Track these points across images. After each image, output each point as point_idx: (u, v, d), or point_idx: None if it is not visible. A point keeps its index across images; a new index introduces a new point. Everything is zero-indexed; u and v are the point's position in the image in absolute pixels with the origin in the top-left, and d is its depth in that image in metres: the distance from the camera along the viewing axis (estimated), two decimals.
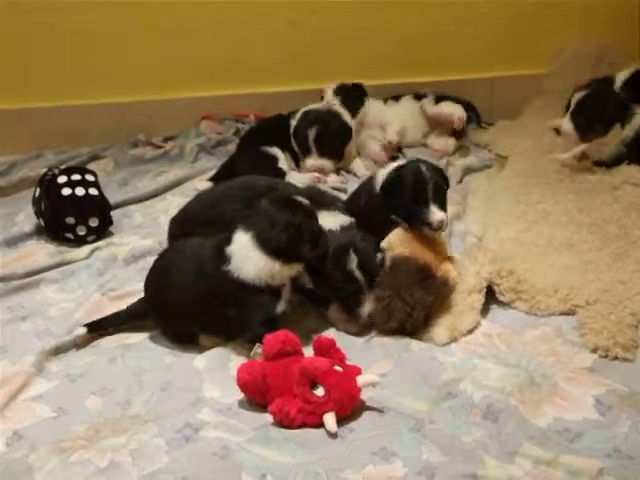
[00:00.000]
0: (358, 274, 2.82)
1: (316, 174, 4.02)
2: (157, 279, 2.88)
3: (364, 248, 2.87)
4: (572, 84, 3.92)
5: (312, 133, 4.06)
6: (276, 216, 2.69)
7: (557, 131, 3.91)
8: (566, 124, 3.82)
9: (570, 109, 3.82)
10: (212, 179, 4.04)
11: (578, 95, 3.82)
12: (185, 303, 2.75)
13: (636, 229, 3.34)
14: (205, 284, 2.74)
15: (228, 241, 2.73)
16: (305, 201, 2.78)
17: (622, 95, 3.88)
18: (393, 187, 3.04)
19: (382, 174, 3.14)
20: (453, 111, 4.24)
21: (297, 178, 3.94)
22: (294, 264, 2.74)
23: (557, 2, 4.39)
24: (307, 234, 2.72)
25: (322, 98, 4.28)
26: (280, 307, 2.77)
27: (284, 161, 4.05)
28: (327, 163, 4.09)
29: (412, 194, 2.99)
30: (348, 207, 3.17)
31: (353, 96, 4.26)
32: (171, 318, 2.82)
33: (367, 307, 2.84)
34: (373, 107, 4.35)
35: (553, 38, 4.43)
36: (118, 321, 2.92)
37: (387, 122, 4.30)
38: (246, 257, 2.69)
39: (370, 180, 3.23)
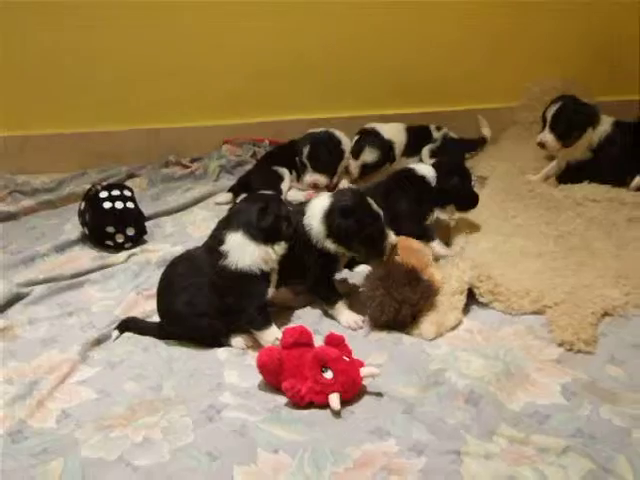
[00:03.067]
0: None
1: (310, 192, 3.99)
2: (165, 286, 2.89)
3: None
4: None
5: (306, 150, 4.03)
6: (256, 210, 2.78)
7: (540, 145, 3.85)
8: (547, 136, 3.78)
9: (548, 123, 3.78)
10: (230, 190, 4.08)
11: (552, 109, 3.78)
12: (191, 300, 2.77)
13: (596, 241, 3.34)
14: (205, 279, 2.77)
15: (220, 242, 2.76)
16: (269, 192, 2.97)
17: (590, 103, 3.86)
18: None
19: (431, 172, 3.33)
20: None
21: (293, 195, 3.98)
22: (280, 243, 2.80)
23: (527, 44, 4.40)
24: (282, 216, 2.83)
25: None
26: (269, 293, 2.82)
27: (287, 182, 4.05)
28: (321, 178, 4.04)
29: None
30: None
31: None
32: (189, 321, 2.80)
33: None
34: None
35: (524, 75, 4.43)
36: (142, 331, 2.89)
37: None
38: (243, 250, 2.73)
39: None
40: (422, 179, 3.32)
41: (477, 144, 4.37)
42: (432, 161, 3.58)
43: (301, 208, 3.02)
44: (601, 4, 4.34)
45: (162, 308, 2.87)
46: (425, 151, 4.22)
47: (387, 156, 4.16)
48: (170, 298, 2.81)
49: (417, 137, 4.28)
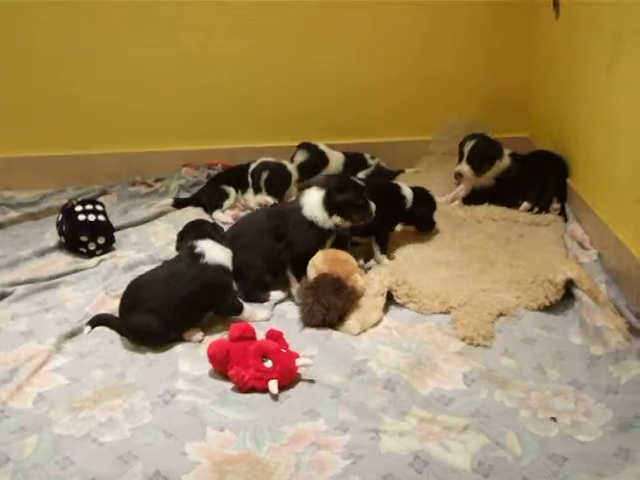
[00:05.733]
0: None
1: (234, 212, 3.90)
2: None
3: None
4: (450, 148, 3.94)
5: (264, 176, 3.94)
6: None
7: (457, 175, 3.86)
8: (464, 167, 3.80)
9: (465, 156, 3.80)
10: (176, 204, 4.02)
11: (469, 145, 3.80)
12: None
13: (493, 253, 3.36)
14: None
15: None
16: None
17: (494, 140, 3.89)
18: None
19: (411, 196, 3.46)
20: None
21: (217, 216, 3.86)
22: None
23: (440, 86, 4.43)
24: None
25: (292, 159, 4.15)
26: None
27: (231, 199, 3.97)
28: (270, 200, 3.90)
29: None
30: None
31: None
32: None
33: None
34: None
35: (436, 113, 4.46)
36: (110, 326, 2.82)
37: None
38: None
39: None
40: (403, 198, 3.42)
41: (396, 174, 4.36)
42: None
43: (295, 206, 3.06)
44: (495, 59, 4.41)
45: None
46: (360, 175, 4.18)
47: (319, 161, 4.12)
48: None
49: (353, 163, 4.24)
